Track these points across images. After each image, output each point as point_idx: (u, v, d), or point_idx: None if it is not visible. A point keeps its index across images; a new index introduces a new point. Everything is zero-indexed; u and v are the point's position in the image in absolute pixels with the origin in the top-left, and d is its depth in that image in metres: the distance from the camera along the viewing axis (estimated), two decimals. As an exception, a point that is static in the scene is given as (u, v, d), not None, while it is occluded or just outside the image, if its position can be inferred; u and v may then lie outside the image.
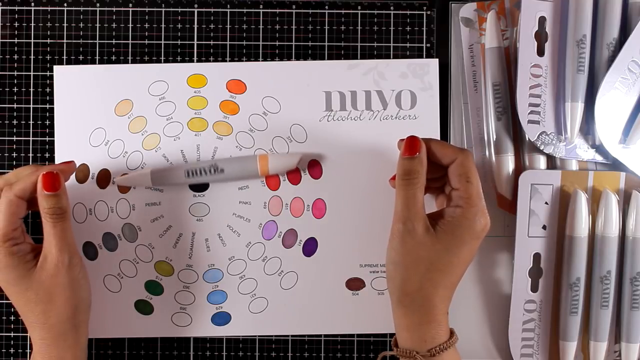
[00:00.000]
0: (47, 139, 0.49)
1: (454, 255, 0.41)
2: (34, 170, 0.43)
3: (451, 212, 0.42)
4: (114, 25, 0.50)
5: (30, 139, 0.49)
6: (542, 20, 0.47)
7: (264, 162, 0.46)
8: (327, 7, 0.50)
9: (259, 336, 0.49)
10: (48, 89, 0.49)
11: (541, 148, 0.47)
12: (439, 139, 0.48)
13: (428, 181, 0.43)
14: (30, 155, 0.49)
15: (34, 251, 0.43)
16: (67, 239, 0.42)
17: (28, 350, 0.49)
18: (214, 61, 0.49)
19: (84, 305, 0.44)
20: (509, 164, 0.48)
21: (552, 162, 0.48)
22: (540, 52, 0.47)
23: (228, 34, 0.50)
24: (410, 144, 0.42)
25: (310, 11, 0.50)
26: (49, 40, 0.49)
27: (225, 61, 0.49)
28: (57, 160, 0.48)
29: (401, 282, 0.42)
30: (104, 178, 0.48)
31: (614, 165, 0.48)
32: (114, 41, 0.50)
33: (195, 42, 0.50)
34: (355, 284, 0.49)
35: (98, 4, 0.49)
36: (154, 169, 0.47)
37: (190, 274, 0.49)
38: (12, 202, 0.42)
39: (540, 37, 0.47)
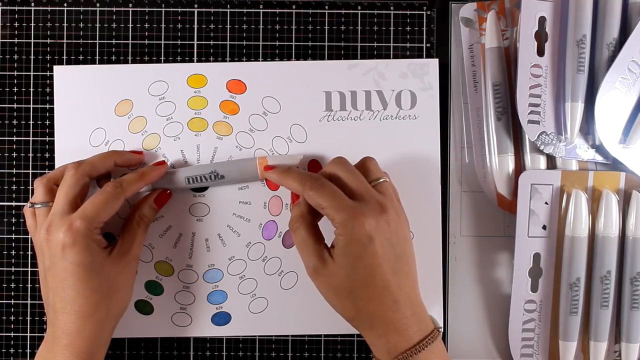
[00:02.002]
0: (47, 139, 0.49)
1: (359, 269, 0.41)
2: (139, 178, 0.45)
3: (335, 237, 0.41)
4: (114, 25, 0.50)
5: (30, 139, 0.49)
6: (542, 20, 0.47)
7: (264, 165, 0.46)
8: (327, 7, 0.50)
9: (259, 336, 0.49)
10: (48, 89, 0.49)
11: (541, 148, 0.47)
12: (439, 139, 0.48)
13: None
14: (30, 155, 0.49)
15: (105, 243, 0.44)
16: (142, 244, 0.46)
17: (28, 350, 0.49)
18: (214, 61, 0.49)
19: (124, 310, 0.45)
20: (509, 164, 0.48)
21: (552, 162, 0.48)
22: (540, 52, 0.47)
23: (228, 34, 0.50)
24: (292, 195, 0.46)
25: (310, 11, 0.50)
26: (49, 40, 0.49)
27: (225, 61, 0.49)
28: (57, 161, 0.48)
29: (342, 313, 0.42)
30: (104, 178, 0.48)
31: (614, 165, 0.48)
32: (114, 41, 0.50)
33: (195, 42, 0.50)
34: (355, 284, 0.49)
35: (98, 4, 0.49)
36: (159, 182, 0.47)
37: (190, 274, 0.49)
38: (119, 200, 0.44)
39: (540, 37, 0.47)
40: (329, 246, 0.42)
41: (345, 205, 0.41)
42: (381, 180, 0.43)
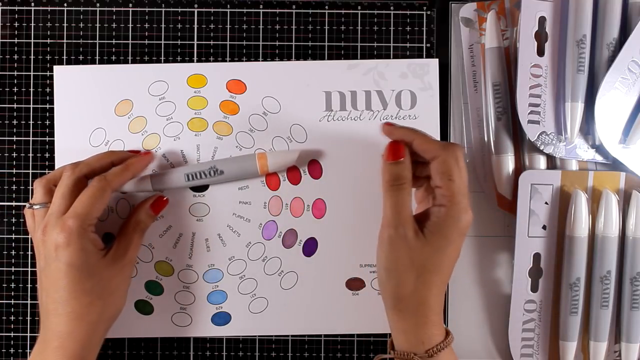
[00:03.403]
0: (47, 139, 0.49)
1: (443, 254, 0.41)
2: (124, 169, 0.45)
3: (436, 212, 0.41)
4: (114, 25, 0.50)
5: (30, 139, 0.49)
6: (542, 20, 0.47)
7: (263, 161, 0.46)
8: (327, 7, 0.50)
9: (259, 336, 0.49)
10: (48, 89, 0.49)
11: (541, 148, 0.47)
12: (439, 139, 0.48)
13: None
14: (30, 155, 0.49)
15: (102, 245, 0.44)
16: (138, 249, 0.46)
17: (28, 350, 0.49)
18: (214, 61, 0.49)
19: (118, 313, 0.45)
20: (509, 164, 0.48)
21: (552, 162, 0.48)
22: (540, 52, 0.47)
23: (228, 34, 0.50)
24: (394, 149, 0.42)
25: (310, 11, 0.50)
26: (49, 40, 0.49)
27: (225, 61, 0.49)
28: (57, 161, 0.48)
29: (395, 287, 0.42)
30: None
31: (614, 165, 0.48)
32: (114, 41, 0.50)
33: (195, 42, 0.50)
34: (355, 284, 0.49)
35: (98, 4, 0.49)
36: (153, 173, 0.47)
37: (190, 274, 0.49)
38: (106, 193, 0.43)
39: (540, 37, 0.47)
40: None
41: (464, 191, 0.41)
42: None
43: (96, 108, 0.48)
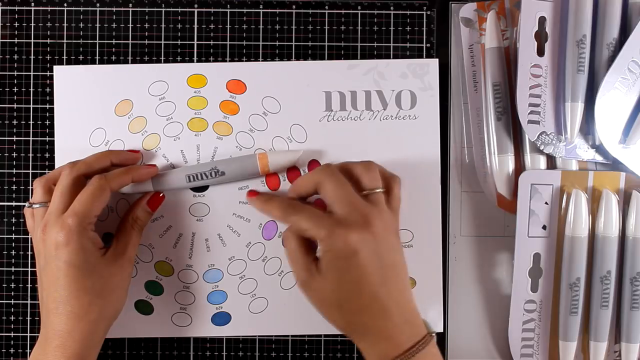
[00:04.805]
0: (47, 139, 0.49)
1: (344, 283, 0.41)
2: (125, 171, 0.45)
3: (319, 250, 0.42)
4: (114, 25, 0.50)
5: (30, 139, 0.49)
6: (542, 20, 0.47)
7: (264, 161, 0.46)
8: (327, 7, 0.50)
9: (259, 336, 0.49)
10: (48, 89, 0.49)
11: (541, 148, 0.47)
12: (439, 139, 0.48)
13: None
14: (30, 155, 0.49)
15: (102, 244, 0.44)
16: (137, 247, 0.46)
17: (28, 350, 0.49)
18: (214, 61, 0.49)
19: (118, 312, 0.45)
20: (509, 164, 0.48)
21: (552, 162, 0.48)
22: (540, 52, 0.47)
23: (228, 34, 0.50)
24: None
25: (310, 11, 0.50)
26: (49, 40, 0.49)
27: (225, 61, 0.49)
28: (57, 161, 0.48)
29: (332, 324, 0.43)
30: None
31: (614, 165, 0.48)
32: (114, 41, 0.50)
33: (195, 42, 0.50)
34: (355, 284, 0.49)
35: (98, 4, 0.49)
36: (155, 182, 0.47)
37: (190, 274, 0.49)
38: (105, 192, 0.43)
39: (540, 37, 0.47)
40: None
41: (325, 222, 0.41)
42: (376, 190, 0.43)
43: (96, 108, 0.48)
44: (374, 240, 0.41)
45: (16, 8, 0.49)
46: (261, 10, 0.50)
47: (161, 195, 0.47)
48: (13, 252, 0.49)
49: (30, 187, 0.49)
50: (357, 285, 0.41)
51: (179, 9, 0.50)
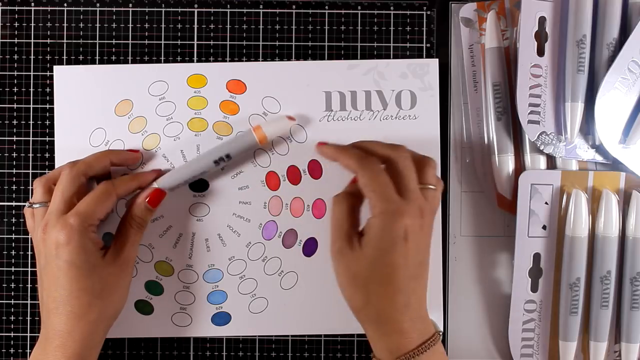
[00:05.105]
0: (47, 139, 0.49)
1: (384, 265, 0.40)
2: (132, 178, 0.46)
3: (369, 224, 0.41)
4: (114, 25, 0.50)
5: (30, 139, 0.49)
6: (542, 20, 0.47)
7: (259, 132, 0.46)
8: (327, 7, 0.50)
9: (259, 336, 0.49)
10: (48, 89, 0.49)
11: (541, 148, 0.47)
12: (439, 139, 0.48)
13: None
14: (30, 155, 0.49)
15: (102, 244, 0.44)
16: (137, 246, 0.46)
17: (28, 350, 0.49)
18: (214, 61, 0.49)
19: (118, 312, 0.45)
20: (509, 164, 0.48)
21: (552, 162, 0.48)
22: (540, 52, 0.47)
23: (228, 34, 0.50)
24: (354, 178, 0.45)
25: (310, 11, 0.50)
26: (49, 40, 0.49)
27: (225, 61, 0.49)
28: (57, 161, 0.48)
29: (349, 300, 0.42)
30: (104, 179, 0.48)
31: (614, 165, 0.48)
32: (114, 41, 0.50)
33: (195, 42, 0.50)
34: (355, 284, 0.49)
35: (98, 4, 0.49)
36: (158, 180, 0.47)
37: (190, 274, 0.49)
38: (111, 197, 0.44)
39: (540, 37, 0.47)
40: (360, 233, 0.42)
41: (392, 198, 0.41)
42: (430, 187, 0.43)
43: (96, 108, 0.48)
44: (421, 234, 0.41)
45: (16, 8, 0.49)
46: (261, 10, 0.50)
47: (162, 191, 0.47)
48: (13, 252, 0.49)
49: (30, 187, 0.49)
50: (393, 272, 0.40)
51: (179, 9, 0.50)
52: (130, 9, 0.50)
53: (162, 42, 0.50)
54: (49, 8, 0.49)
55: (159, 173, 0.47)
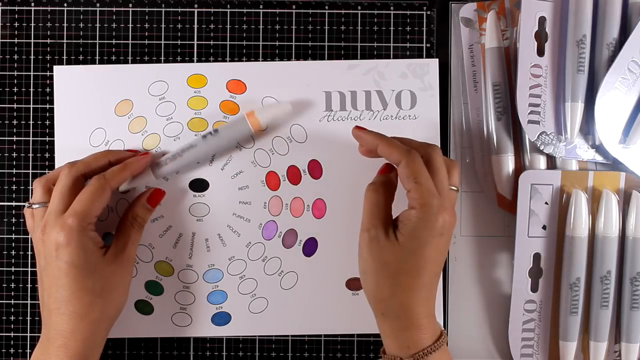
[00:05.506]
0: (47, 139, 0.49)
1: (418, 257, 0.41)
2: (122, 168, 0.45)
3: (407, 215, 0.41)
4: (114, 25, 0.50)
5: (30, 139, 0.49)
6: (542, 20, 0.47)
7: (253, 118, 0.46)
8: (327, 7, 0.50)
9: (259, 336, 0.49)
10: (48, 89, 0.49)
11: (541, 148, 0.47)
12: (439, 139, 0.48)
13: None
14: (30, 155, 0.49)
15: (102, 243, 0.44)
16: (137, 245, 0.46)
17: (28, 350, 0.49)
18: (214, 61, 0.49)
19: (119, 311, 0.45)
20: (509, 164, 0.48)
21: (552, 162, 0.48)
22: (540, 52, 0.47)
23: (228, 34, 0.50)
24: (385, 169, 0.45)
25: (310, 11, 0.50)
26: (49, 40, 0.49)
27: (225, 61, 0.49)
28: (57, 161, 0.48)
29: (373, 289, 0.42)
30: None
31: (614, 165, 0.48)
32: (114, 41, 0.50)
33: (195, 42, 0.50)
34: (355, 284, 0.49)
35: (98, 4, 0.50)
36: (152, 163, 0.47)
37: (190, 274, 0.49)
38: (105, 191, 0.43)
39: (540, 37, 0.47)
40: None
41: (434, 193, 0.41)
42: (454, 188, 0.43)
43: (96, 108, 0.48)
44: (451, 233, 0.42)
45: (16, 8, 0.49)
46: (261, 10, 0.50)
47: (162, 190, 0.47)
48: (13, 252, 0.49)
49: (30, 187, 0.49)
50: (424, 265, 0.41)
51: (179, 9, 0.50)
52: (130, 9, 0.50)
53: (162, 42, 0.50)
54: (49, 8, 0.49)
55: (150, 157, 0.47)
